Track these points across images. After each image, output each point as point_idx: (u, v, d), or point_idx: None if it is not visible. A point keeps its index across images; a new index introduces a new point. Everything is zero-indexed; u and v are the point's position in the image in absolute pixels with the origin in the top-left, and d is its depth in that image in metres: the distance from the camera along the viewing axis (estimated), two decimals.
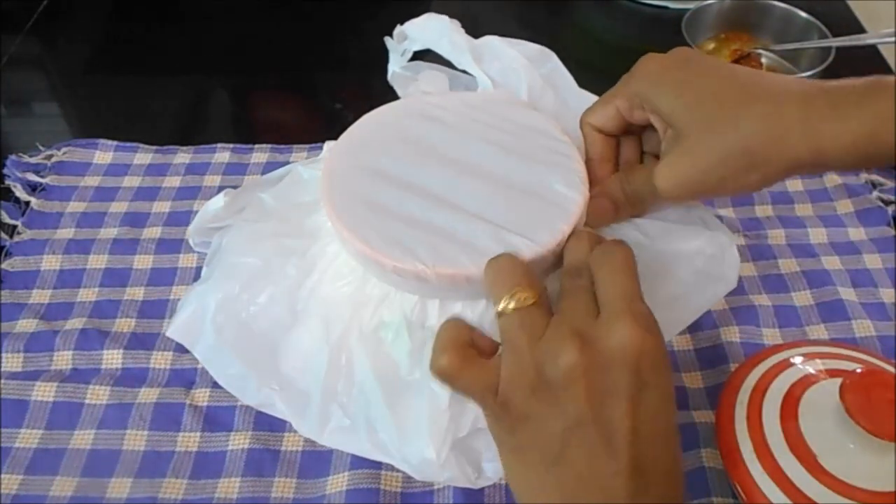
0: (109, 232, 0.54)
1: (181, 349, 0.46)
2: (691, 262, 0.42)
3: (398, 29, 0.50)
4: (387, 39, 0.51)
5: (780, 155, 0.35)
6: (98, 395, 0.45)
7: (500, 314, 0.33)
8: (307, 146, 0.61)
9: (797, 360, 0.43)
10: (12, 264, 0.52)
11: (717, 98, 0.36)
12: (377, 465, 0.41)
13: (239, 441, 0.43)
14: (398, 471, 0.40)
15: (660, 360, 0.31)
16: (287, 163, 0.54)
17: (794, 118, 0.34)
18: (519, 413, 0.32)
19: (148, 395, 0.45)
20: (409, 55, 0.50)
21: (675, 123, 0.37)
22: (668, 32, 0.67)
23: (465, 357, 0.33)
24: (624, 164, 0.43)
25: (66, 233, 0.54)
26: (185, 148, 0.60)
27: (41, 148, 0.60)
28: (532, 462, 0.31)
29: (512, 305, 0.33)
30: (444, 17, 0.49)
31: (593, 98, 0.49)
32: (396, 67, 0.51)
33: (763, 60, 0.67)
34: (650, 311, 0.32)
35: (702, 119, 0.36)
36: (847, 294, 0.50)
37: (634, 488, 0.29)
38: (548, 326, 0.32)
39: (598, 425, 0.30)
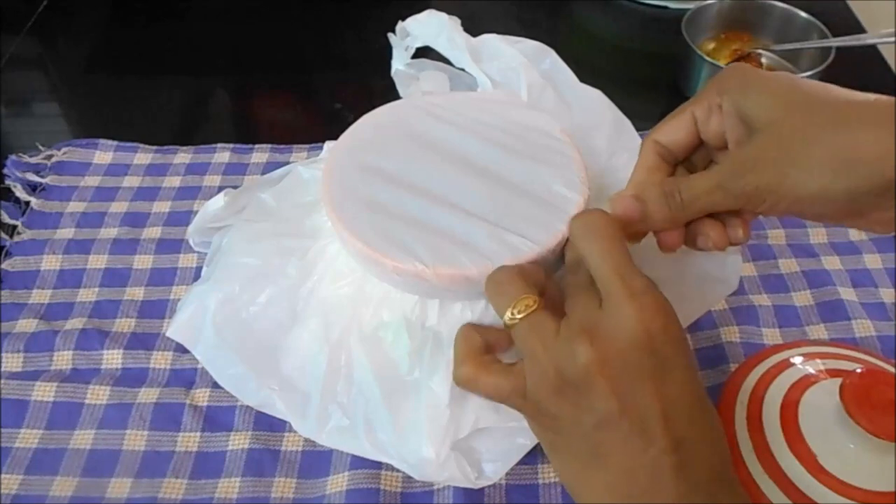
0: (109, 232, 0.54)
1: (181, 349, 0.46)
2: (694, 261, 0.42)
3: (400, 25, 0.50)
4: (390, 35, 0.51)
5: (888, 169, 0.30)
6: (98, 395, 0.45)
7: (508, 326, 0.33)
8: (307, 146, 0.61)
9: (797, 360, 0.43)
10: (12, 264, 0.52)
11: (820, 101, 0.32)
12: (377, 465, 0.41)
13: (239, 441, 0.43)
14: (398, 471, 0.40)
15: (671, 331, 0.31)
16: (287, 163, 0.54)
17: None
18: (549, 415, 0.32)
19: (148, 395, 0.45)
20: (412, 52, 0.50)
21: (763, 122, 0.33)
22: (668, 32, 0.67)
23: (481, 364, 0.34)
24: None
25: (66, 233, 0.54)
26: (185, 148, 0.60)
27: (41, 148, 0.60)
28: (573, 459, 0.32)
29: (518, 315, 0.33)
30: (444, 15, 0.49)
31: (594, 92, 0.49)
32: (400, 65, 0.51)
33: (763, 60, 0.67)
34: (647, 281, 0.31)
35: (800, 120, 0.32)
36: (847, 294, 0.50)
37: (679, 465, 0.29)
38: (559, 327, 0.32)
39: (628, 414, 0.30)
